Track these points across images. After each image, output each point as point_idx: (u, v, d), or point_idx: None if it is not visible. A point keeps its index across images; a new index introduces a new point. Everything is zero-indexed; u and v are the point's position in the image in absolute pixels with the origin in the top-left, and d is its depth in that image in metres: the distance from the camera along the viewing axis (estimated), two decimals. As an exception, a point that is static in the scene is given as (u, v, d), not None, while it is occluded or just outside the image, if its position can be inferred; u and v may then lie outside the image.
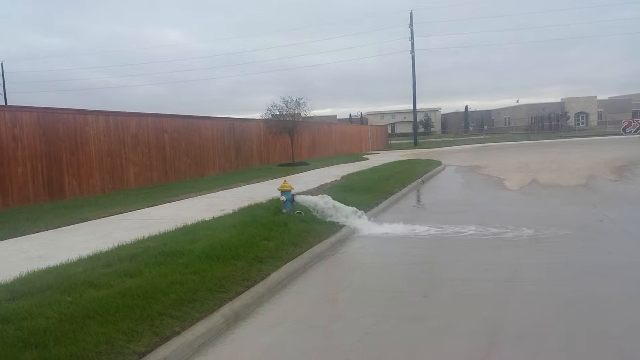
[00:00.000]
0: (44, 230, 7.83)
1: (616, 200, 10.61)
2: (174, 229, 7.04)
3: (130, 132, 14.37)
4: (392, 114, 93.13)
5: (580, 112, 74.20)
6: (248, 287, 4.88)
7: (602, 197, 11.15)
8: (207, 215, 8.22)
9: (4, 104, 44.20)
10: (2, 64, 60.00)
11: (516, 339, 3.81)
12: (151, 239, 6.45)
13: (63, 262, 5.40)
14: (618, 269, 5.60)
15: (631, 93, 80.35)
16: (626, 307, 4.43)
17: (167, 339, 3.67)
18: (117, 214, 9.31)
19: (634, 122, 50.28)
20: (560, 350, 3.61)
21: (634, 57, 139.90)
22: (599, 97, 76.86)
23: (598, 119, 71.90)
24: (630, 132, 47.57)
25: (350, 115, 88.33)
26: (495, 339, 3.84)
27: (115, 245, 6.14)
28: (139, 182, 14.54)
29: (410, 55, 46.34)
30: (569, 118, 69.77)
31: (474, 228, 7.79)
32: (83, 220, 8.64)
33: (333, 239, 7.18)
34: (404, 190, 12.72)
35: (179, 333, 3.78)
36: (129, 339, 3.55)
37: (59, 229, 8.01)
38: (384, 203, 10.56)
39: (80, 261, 5.42)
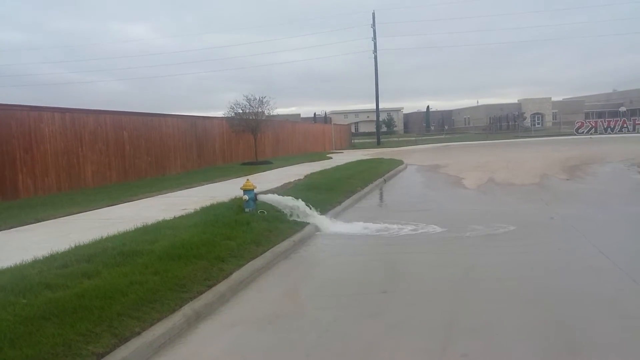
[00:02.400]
0: (-4, 231, 7.57)
1: (567, 198, 11.09)
2: (133, 229, 6.93)
3: (87, 129, 14.01)
4: (356, 113, 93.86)
5: (536, 113, 76.76)
6: (209, 287, 4.88)
7: (553, 195, 11.63)
8: (168, 215, 8.13)
9: (-49, 98, 42.14)
10: (-51, 56, 57.12)
11: (470, 332, 3.98)
12: (110, 239, 6.34)
13: (17, 263, 5.25)
14: (567, 263, 5.88)
15: (584, 95, 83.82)
16: (573, 298, 4.67)
17: (127, 339, 3.64)
18: (74, 213, 9.08)
19: (586, 123, 52.54)
20: (509, 341, 3.79)
21: (587, 60, 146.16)
22: (554, 99, 79.74)
23: (553, 119, 74.54)
24: (582, 132, 49.67)
25: (314, 114, 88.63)
26: (450, 332, 3.99)
27: (73, 245, 6.00)
28: (97, 181, 14.19)
29: (373, 55, 46.88)
30: (525, 119, 72.10)
31: (432, 226, 8.00)
32: (38, 221, 8.39)
33: (296, 237, 7.23)
34: (366, 189, 12.90)
35: (138, 334, 3.76)
36: (87, 340, 3.51)
37: (12, 229, 7.76)
38: (347, 202, 10.69)
39: (36, 262, 5.28)
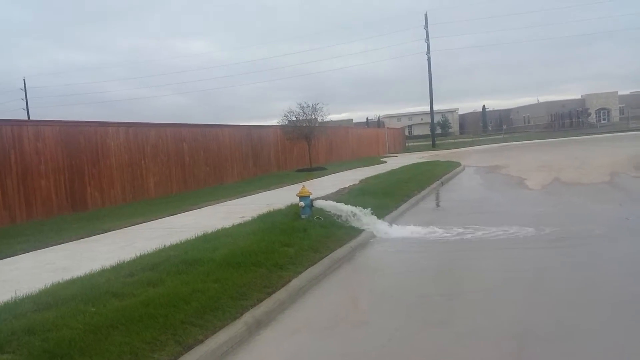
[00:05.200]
0: (67, 242, 7.95)
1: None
2: (194, 237, 7.07)
3: (149, 142, 14.56)
4: (409, 116, 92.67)
5: (602, 108, 72.82)
6: (269, 294, 4.87)
7: (627, 194, 10.89)
8: (227, 223, 8.25)
9: (26, 118, 45.21)
10: (24, 79, 61.43)
11: (541, 341, 3.73)
12: (172, 247, 6.49)
13: (86, 272, 5.46)
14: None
15: (654, 87, 78.65)
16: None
17: (190, 347, 3.67)
18: (138, 223, 9.41)
19: (657, 117, 49.20)
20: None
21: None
22: (621, 93, 75.40)
23: (620, 114, 70.44)
24: (654, 127, 46.54)
25: (367, 118, 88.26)
26: (522, 342, 3.76)
27: (138, 254, 6.19)
28: (159, 191, 14.70)
29: (426, 56, 46.15)
30: (589, 115, 68.58)
31: (493, 230, 7.67)
32: (105, 231, 8.75)
33: (353, 243, 7.14)
34: (423, 193, 12.61)
35: (202, 341, 3.79)
36: (152, 348, 3.57)
37: (82, 239, 8.13)
38: (403, 206, 10.48)
39: (104, 271, 5.48)
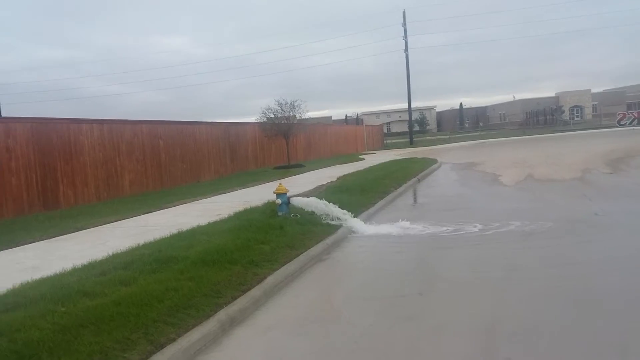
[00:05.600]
0: (38, 241, 7.79)
1: (611, 193, 10.62)
2: (169, 236, 7.01)
3: (124, 139, 14.34)
4: (388, 113, 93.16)
5: (575, 106, 74.36)
6: (244, 292, 4.85)
7: (597, 190, 11.17)
8: (203, 221, 8.20)
9: (-2, 115, 43.98)
10: (-5, 75, 59.78)
11: (513, 335, 3.80)
12: (146, 246, 6.42)
13: (57, 272, 5.37)
14: (615, 259, 5.60)
15: (625, 85, 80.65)
16: (621, 296, 4.42)
17: (162, 346, 3.64)
18: (112, 222, 9.28)
19: (628, 114, 50.46)
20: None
21: (627, 49, 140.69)
22: (594, 90, 77.07)
23: (593, 112, 71.99)
24: (624, 124, 47.73)
25: (346, 116, 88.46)
26: (492, 336, 3.83)
27: (110, 253, 6.11)
28: (134, 189, 14.50)
29: (404, 54, 46.46)
30: (563, 112, 69.93)
31: (468, 225, 7.78)
32: (78, 229, 8.60)
33: (329, 240, 7.16)
34: (400, 190, 12.71)
35: (174, 340, 3.76)
36: (123, 347, 3.53)
37: (53, 238, 7.98)
38: (380, 203, 10.54)
39: (75, 270, 5.39)
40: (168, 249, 6.04)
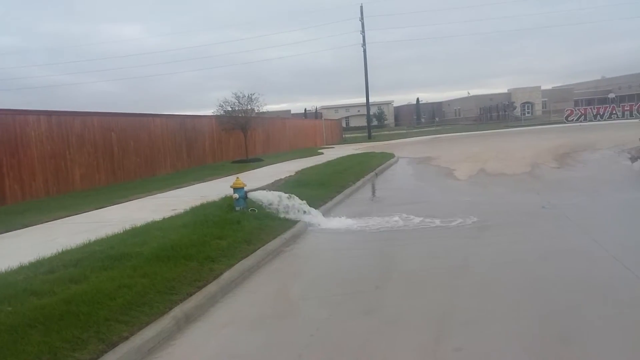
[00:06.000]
0: (-18, 238, 7.45)
1: (558, 187, 11.09)
2: (122, 232, 6.84)
3: (74, 132, 13.84)
4: (347, 107, 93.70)
5: (526, 102, 76.96)
6: (200, 288, 4.81)
7: (545, 184, 11.63)
8: (158, 216, 8.04)
9: (-64, 105, 41.55)
10: None
11: (464, 325, 3.94)
12: (98, 242, 6.24)
13: (3, 270, 5.16)
14: (559, 251, 5.86)
15: (573, 82, 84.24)
16: (565, 286, 4.65)
17: (115, 345, 3.57)
18: (62, 217, 8.97)
19: (575, 111, 52.75)
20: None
21: (575, 48, 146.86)
22: (544, 87, 79.97)
23: (543, 108, 74.75)
24: (572, 120, 49.86)
25: (305, 109, 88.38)
26: (444, 326, 3.95)
27: (60, 250, 5.91)
28: (85, 183, 14.03)
29: (362, 48, 46.78)
30: (515, 108, 72.27)
31: (423, 219, 7.96)
32: (25, 226, 8.27)
33: (287, 235, 7.17)
34: (358, 184, 12.85)
35: (127, 338, 3.69)
36: (73, 347, 3.44)
37: (-1, 235, 7.64)
38: (338, 197, 10.63)
39: (22, 269, 5.19)
40: (121, 246, 5.90)
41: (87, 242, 6.29)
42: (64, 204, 10.60)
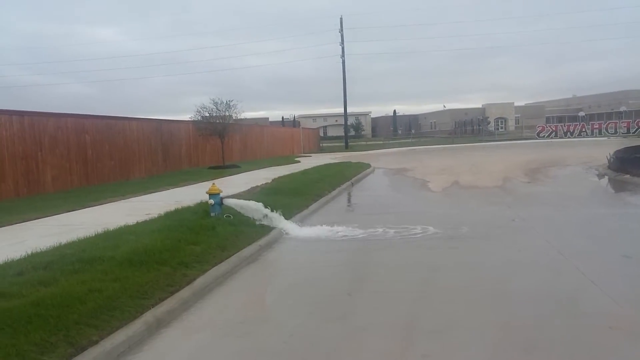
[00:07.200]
0: (-53, 239, 7.24)
1: (528, 200, 11.37)
2: (94, 235, 6.75)
3: (47, 133, 13.58)
4: (324, 117, 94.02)
5: (500, 118, 78.68)
6: (172, 293, 4.79)
7: (515, 198, 11.91)
8: (131, 220, 7.95)
9: None
10: None
11: (431, 333, 4.03)
12: (69, 245, 6.15)
13: (-31, 272, 5.04)
14: (526, 262, 6.03)
15: (545, 100, 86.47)
16: (530, 296, 4.79)
17: (84, 348, 3.54)
18: (32, 219, 8.79)
19: (547, 128, 54.11)
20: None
21: (548, 67, 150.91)
22: (517, 104, 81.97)
23: (515, 124, 76.53)
24: (543, 136, 51.09)
25: (282, 118, 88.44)
26: (412, 334, 4.03)
27: (29, 252, 5.79)
28: (57, 185, 13.77)
29: (341, 59, 47.16)
30: (489, 123, 73.70)
31: (397, 229, 8.07)
32: (-7, 227, 8.08)
33: (261, 242, 7.19)
34: (334, 193, 12.94)
35: (96, 342, 3.66)
36: (41, 350, 3.40)
37: (-35, 237, 7.44)
38: (314, 205, 10.69)
39: (-11, 271, 5.08)
40: (92, 249, 5.83)
41: (58, 244, 6.19)
42: (34, 206, 10.39)
